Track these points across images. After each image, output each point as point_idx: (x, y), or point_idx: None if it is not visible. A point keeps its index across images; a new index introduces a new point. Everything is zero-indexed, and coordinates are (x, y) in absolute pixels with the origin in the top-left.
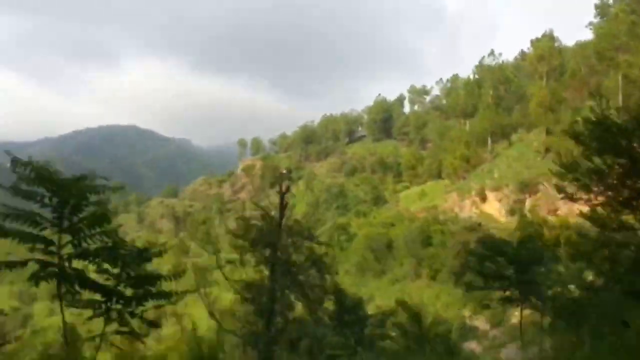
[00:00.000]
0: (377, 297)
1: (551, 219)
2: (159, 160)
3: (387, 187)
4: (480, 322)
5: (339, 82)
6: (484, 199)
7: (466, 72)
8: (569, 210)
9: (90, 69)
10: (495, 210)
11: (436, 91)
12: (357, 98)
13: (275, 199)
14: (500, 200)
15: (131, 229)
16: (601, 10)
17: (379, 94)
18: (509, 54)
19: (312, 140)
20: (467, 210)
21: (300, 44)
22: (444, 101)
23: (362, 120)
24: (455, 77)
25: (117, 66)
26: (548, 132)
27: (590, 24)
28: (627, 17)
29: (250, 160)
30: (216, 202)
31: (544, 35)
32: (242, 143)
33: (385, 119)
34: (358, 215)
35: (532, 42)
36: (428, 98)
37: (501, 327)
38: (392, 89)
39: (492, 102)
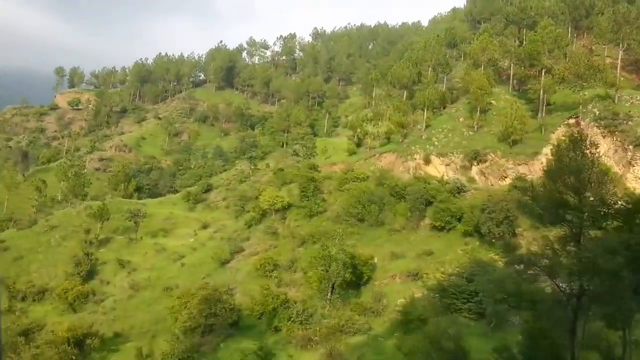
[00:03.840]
0: (389, 244)
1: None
2: None
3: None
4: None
5: (121, 20)
6: (427, 162)
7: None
8: (516, 176)
9: None
10: (438, 173)
11: (277, 47)
12: (141, 37)
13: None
14: (448, 165)
15: None
16: None
17: (221, 41)
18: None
19: (147, 80)
20: (412, 171)
21: None
22: (284, 57)
23: (203, 64)
24: (292, 36)
25: None
26: (482, 111)
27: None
28: (554, 30)
29: (74, 92)
30: (68, 138)
31: (484, 31)
32: (59, 72)
33: (229, 68)
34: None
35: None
36: (268, 52)
37: None
38: (184, 34)
39: (430, 79)
